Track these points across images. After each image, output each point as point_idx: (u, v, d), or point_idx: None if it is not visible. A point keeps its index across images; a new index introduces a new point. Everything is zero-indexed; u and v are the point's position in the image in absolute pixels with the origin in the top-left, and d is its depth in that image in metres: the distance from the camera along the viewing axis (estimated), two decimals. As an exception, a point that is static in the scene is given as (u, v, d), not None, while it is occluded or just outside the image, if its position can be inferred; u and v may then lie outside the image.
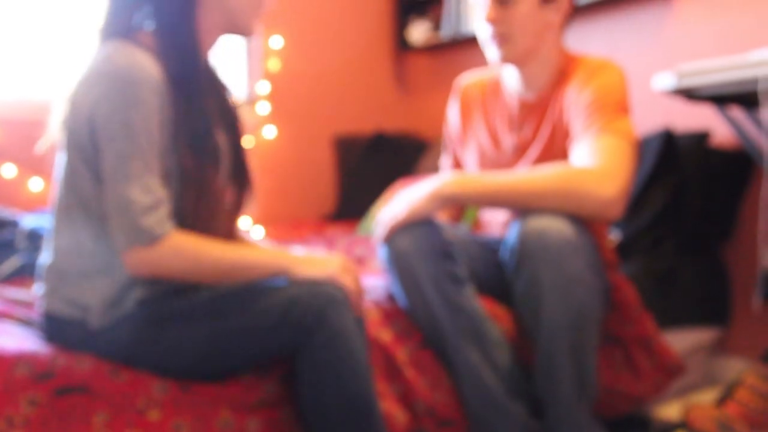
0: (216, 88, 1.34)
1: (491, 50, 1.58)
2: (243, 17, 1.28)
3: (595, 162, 1.42)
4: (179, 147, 1.17)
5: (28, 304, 1.43)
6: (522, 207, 1.43)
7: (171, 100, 1.16)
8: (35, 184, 2.47)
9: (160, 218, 1.13)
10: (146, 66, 1.13)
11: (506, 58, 1.57)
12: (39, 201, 2.42)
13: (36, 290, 1.27)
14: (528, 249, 1.36)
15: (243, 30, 1.29)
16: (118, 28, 1.19)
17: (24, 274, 1.71)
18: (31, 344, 1.16)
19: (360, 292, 1.25)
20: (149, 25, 1.23)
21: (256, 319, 1.17)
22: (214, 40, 1.29)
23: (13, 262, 1.72)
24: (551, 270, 1.34)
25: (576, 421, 1.39)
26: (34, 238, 1.78)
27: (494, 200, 1.44)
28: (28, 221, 1.85)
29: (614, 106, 1.49)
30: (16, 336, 1.20)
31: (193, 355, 1.19)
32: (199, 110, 1.20)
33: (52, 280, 1.21)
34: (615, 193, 1.39)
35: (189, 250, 1.15)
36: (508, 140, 1.66)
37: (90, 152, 1.16)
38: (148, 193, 1.12)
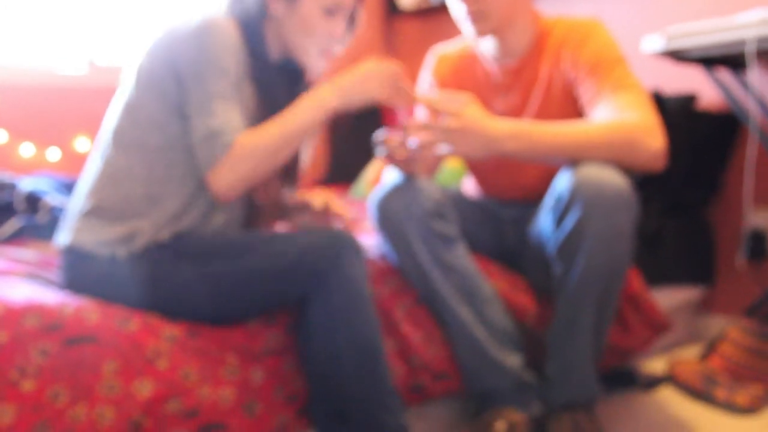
0: (291, 84, 1.43)
1: (466, 26, 1.57)
2: (298, 45, 1.37)
3: (634, 114, 1.41)
4: (247, 90, 1.31)
5: (32, 263, 1.45)
6: (573, 158, 1.40)
7: (245, 60, 1.30)
8: (26, 150, 2.47)
9: (232, 135, 1.23)
10: (228, 26, 1.25)
11: (482, 33, 1.56)
12: (30, 166, 2.43)
13: (61, 227, 1.33)
14: (581, 197, 1.34)
15: (301, 59, 1.38)
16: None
17: (23, 236, 1.73)
18: (39, 296, 1.18)
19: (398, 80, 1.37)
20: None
21: (271, 262, 1.21)
22: (279, 56, 1.39)
23: (12, 224, 1.73)
24: (602, 220, 1.33)
25: (583, 374, 1.44)
26: (32, 200, 1.79)
27: (547, 152, 1.40)
28: (26, 184, 1.86)
29: (616, 62, 1.50)
30: (22, 288, 1.22)
31: (207, 295, 1.23)
32: (269, 78, 1.34)
33: (90, 205, 1.27)
34: (663, 145, 1.41)
35: (254, 142, 1.24)
36: (495, 106, 1.66)
37: (170, 90, 1.26)
38: (230, 122, 1.23)
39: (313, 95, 1.30)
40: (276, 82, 1.36)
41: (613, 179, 1.35)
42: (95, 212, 1.27)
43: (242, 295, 1.24)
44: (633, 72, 1.51)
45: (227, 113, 1.23)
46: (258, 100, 1.33)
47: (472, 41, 1.72)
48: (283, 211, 1.52)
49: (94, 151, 1.34)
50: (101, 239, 1.24)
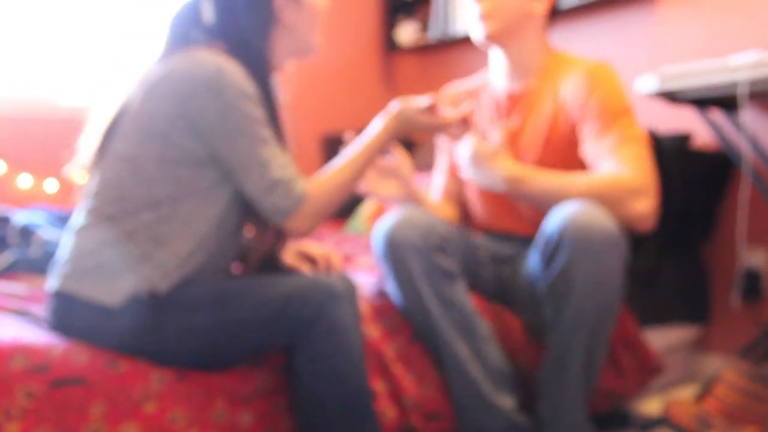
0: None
1: (476, 29, 1.63)
2: (308, 37, 1.40)
3: (629, 172, 1.45)
4: None
5: (23, 298, 1.45)
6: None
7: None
8: (24, 181, 2.48)
9: (300, 185, 1.27)
10: (237, 70, 1.23)
11: (488, 34, 1.61)
12: (28, 198, 2.43)
13: (53, 272, 1.27)
14: (569, 239, 1.35)
15: (309, 50, 1.42)
16: (178, 43, 1.29)
17: (16, 270, 1.72)
18: (27, 336, 1.17)
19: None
20: (206, 41, 1.30)
21: (256, 311, 1.20)
22: (281, 63, 1.39)
23: (5, 258, 1.73)
24: (590, 262, 1.35)
25: (574, 415, 1.43)
26: (26, 234, 1.79)
27: (541, 201, 1.48)
28: (20, 217, 1.86)
29: (624, 111, 1.54)
30: (11, 328, 1.21)
31: (195, 344, 1.21)
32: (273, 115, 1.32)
33: (89, 255, 1.21)
34: (652, 208, 1.45)
35: (325, 185, 1.31)
36: (495, 131, 1.69)
37: (185, 143, 1.22)
38: (284, 167, 1.26)
39: (365, 146, 1.37)
40: (278, 104, 1.35)
41: (601, 221, 1.36)
42: (94, 262, 1.21)
43: (228, 345, 1.23)
44: (637, 123, 1.54)
45: (277, 159, 1.25)
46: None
47: (483, 75, 1.77)
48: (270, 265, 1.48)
49: (85, 199, 1.28)
50: (100, 290, 1.19)
